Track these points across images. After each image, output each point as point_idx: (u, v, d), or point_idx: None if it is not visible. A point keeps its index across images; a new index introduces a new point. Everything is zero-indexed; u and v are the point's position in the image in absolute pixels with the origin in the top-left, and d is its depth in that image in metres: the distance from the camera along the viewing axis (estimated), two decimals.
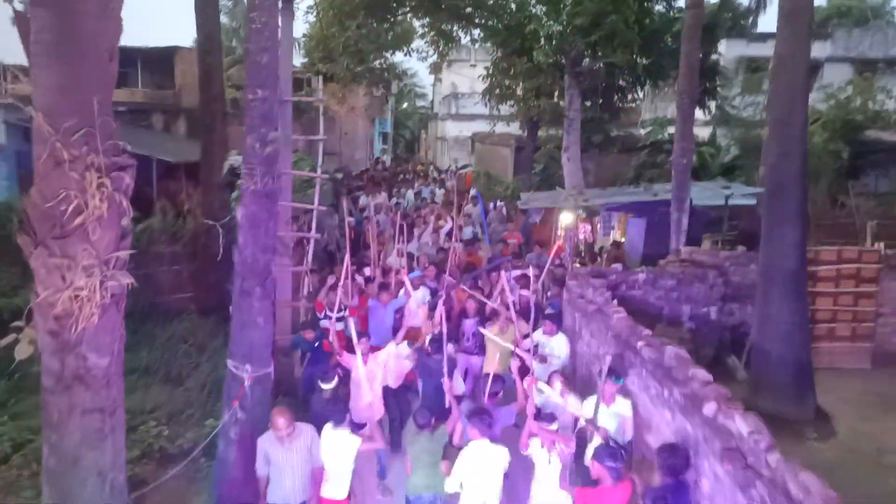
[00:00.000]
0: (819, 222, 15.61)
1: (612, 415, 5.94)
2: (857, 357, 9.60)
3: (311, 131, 13.99)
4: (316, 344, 8.13)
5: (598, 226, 14.43)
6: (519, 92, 17.64)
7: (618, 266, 10.22)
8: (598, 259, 12.75)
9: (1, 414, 8.24)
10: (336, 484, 5.61)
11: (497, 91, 17.90)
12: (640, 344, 6.25)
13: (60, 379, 3.02)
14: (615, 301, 7.63)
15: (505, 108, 19.75)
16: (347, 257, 8.86)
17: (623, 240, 13.73)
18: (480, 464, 5.21)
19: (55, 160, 2.77)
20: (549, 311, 8.37)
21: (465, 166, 30.62)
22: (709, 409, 4.84)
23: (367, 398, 6.56)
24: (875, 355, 9.64)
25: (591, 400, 5.96)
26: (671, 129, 17.98)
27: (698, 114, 19.44)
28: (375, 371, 7.03)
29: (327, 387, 6.44)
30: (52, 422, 3.09)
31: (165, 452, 7.19)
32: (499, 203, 18.12)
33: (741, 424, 4.43)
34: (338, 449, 5.57)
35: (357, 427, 6.16)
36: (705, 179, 16.67)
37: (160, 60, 20.25)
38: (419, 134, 50.79)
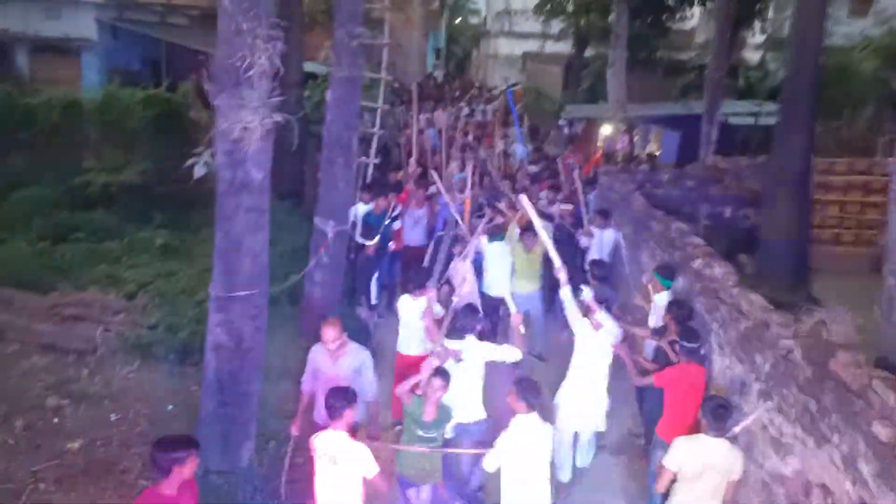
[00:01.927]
0: (853, 146, 16.14)
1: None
2: (859, 261, 10.60)
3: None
4: (386, 223, 8.57)
5: (637, 138, 15.35)
6: (570, 8, 18.16)
7: (645, 167, 11.27)
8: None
9: (119, 267, 10.03)
10: (414, 343, 6.05)
11: (548, 7, 18.42)
12: (652, 222, 7.52)
13: (232, 185, 4.44)
14: (638, 193, 8.82)
15: (556, 25, 20.23)
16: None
17: (659, 152, 14.66)
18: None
19: (235, 30, 4.10)
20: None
21: (514, 84, 31.14)
22: (697, 263, 6.13)
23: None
24: (875, 260, 10.62)
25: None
26: None
27: (751, 39, 19.64)
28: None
29: (370, 243, 7.37)
30: (225, 215, 4.54)
31: None
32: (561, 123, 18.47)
33: (717, 270, 5.72)
34: (416, 315, 5.85)
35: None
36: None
37: None
38: (471, 51, 50.72)
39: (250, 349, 4.86)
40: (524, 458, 4.32)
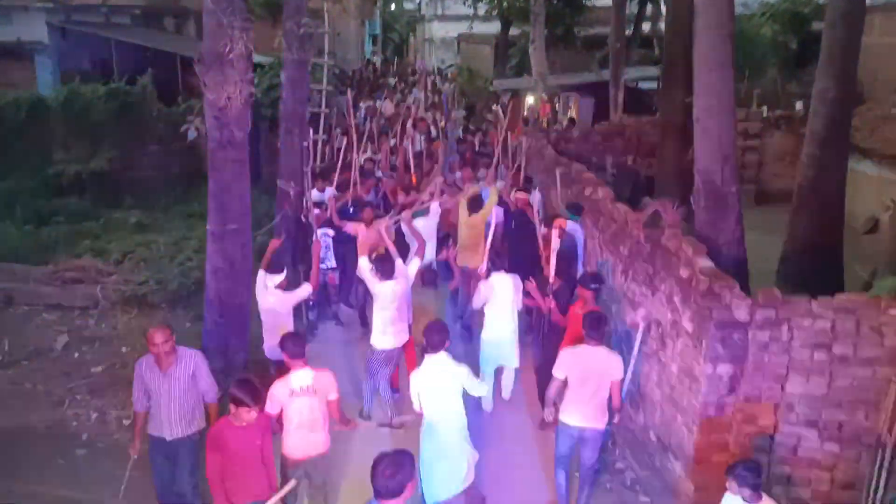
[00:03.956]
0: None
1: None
2: (743, 196, 12.51)
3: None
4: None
5: (558, 106, 17.07)
6: None
7: (557, 127, 12.95)
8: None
9: (101, 242, 11.18)
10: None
11: None
12: (559, 167, 9.17)
13: (220, 143, 5.82)
14: (549, 147, 10.47)
15: (483, 6, 21.78)
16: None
17: (572, 115, 16.43)
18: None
19: (217, 23, 5.47)
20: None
21: (449, 66, 32.60)
22: (588, 191, 7.79)
23: None
24: (757, 195, 12.61)
25: None
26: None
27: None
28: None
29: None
30: (216, 166, 5.91)
31: None
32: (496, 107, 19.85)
33: (600, 192, 7.39)
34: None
35: None
36: None
37: None
38: (408, 37, 51.92)
39: (241, 271, 6.27)
40: (434, 392, 4.79)
